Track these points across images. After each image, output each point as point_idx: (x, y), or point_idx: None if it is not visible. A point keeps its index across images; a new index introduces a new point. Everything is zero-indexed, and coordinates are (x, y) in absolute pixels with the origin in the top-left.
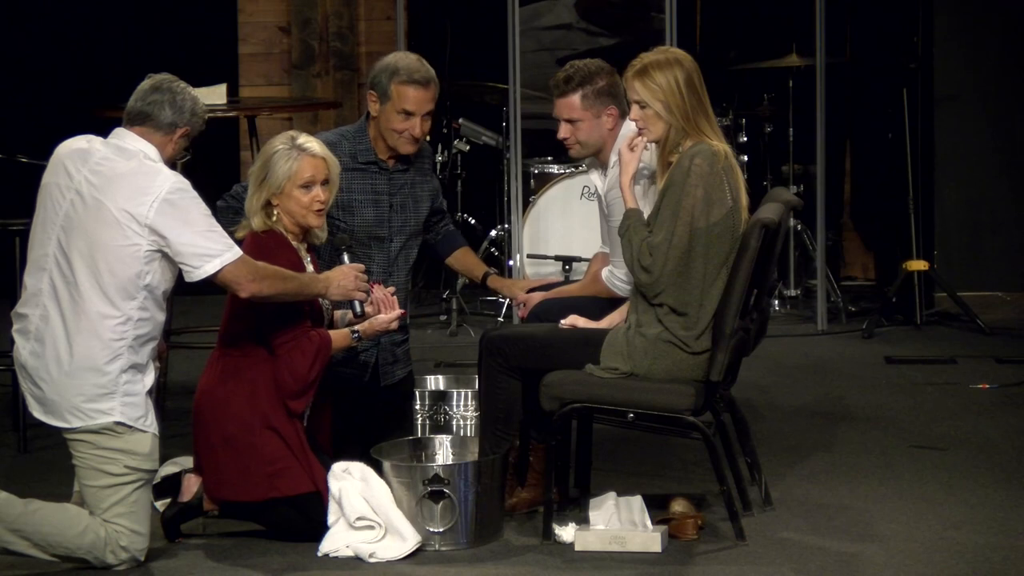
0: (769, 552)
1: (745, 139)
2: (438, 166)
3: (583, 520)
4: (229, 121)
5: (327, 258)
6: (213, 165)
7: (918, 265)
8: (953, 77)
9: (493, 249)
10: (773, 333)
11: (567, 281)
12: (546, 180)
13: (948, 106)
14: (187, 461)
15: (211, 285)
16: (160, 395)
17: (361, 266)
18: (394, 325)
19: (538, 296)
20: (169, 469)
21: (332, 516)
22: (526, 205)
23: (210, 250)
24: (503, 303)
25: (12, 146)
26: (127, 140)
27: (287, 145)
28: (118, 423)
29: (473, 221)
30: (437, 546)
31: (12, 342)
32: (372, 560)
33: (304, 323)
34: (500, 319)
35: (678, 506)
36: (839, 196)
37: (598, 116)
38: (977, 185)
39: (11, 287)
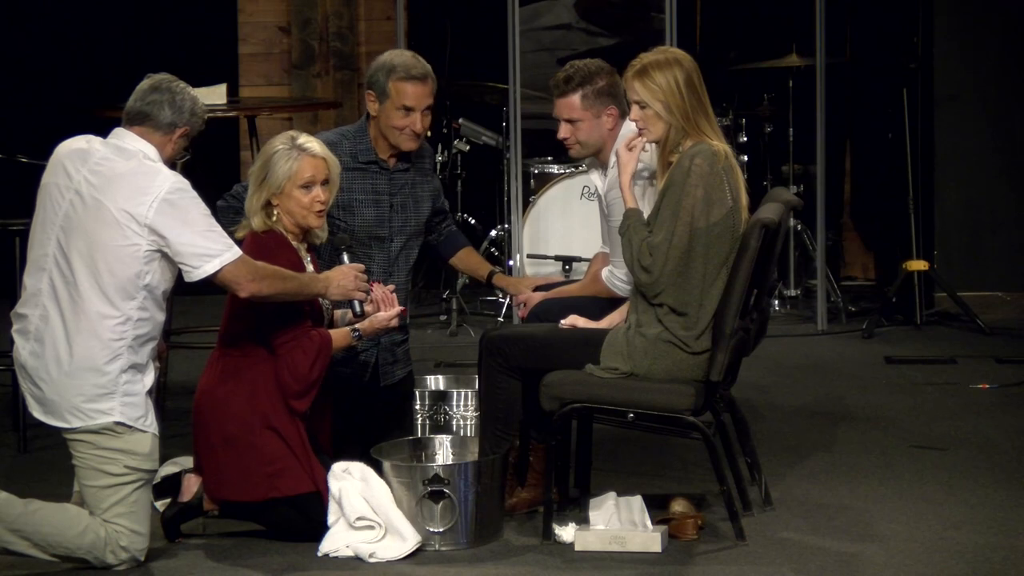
0: (769, 552)
1: (745, 139)
2: (438, 166)
3: (583, 520)
4: (229, 121)
5: (327, 258)
6: (213, 165)
7: (918, 265)
8: (953, 77)
9: (493, 249)
10: (773, 333)
11: (568, 281)
12: (546, 180)
13: (948, 106)
14: (187, 461)
15: (211, 285)
16: (160, 395)
17: (361, 266)
18: (394, 322)
19: (538, 296)
20: (169, 469)
21: (332, 516)
22: (526, 205)
23: (210, 250)
24: (503, 303)
25: (12, 146)
26: (126, 140)
27: (287, 145)
28: (118, 423)
29: (473, 221)
30: (437, 546)
31: (12, 342)
32: (372, 560)
33: (304, 323)
34: (500, 319)
35: (678, 506)
36: (839, 196)
37: (598, 116)
38: (977, 185)
39: (11, 287)
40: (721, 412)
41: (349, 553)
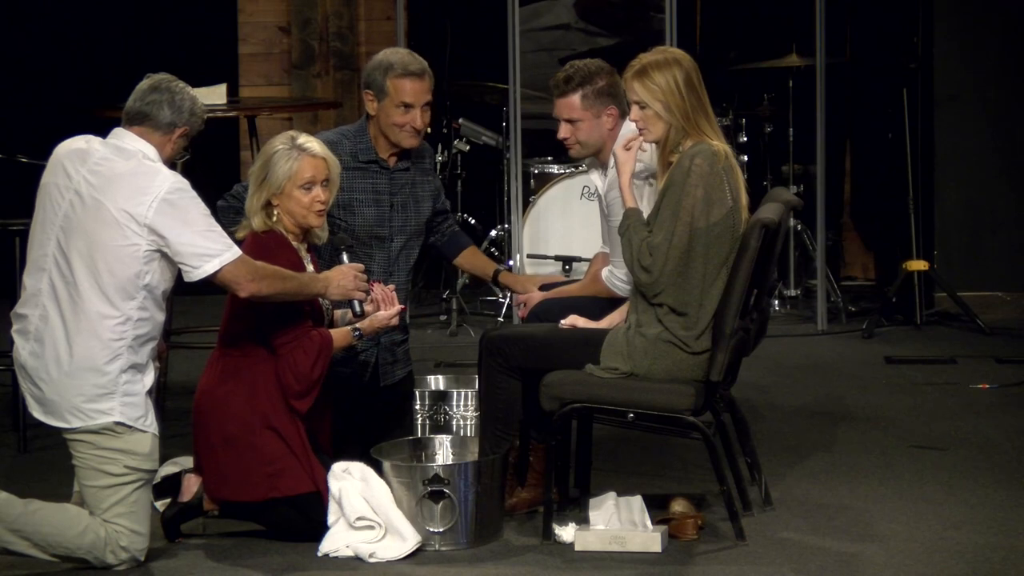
0: (769, 552)
1: (745, 139)
2: (438, 166)
3: (583, 520)
4: (229, 121)
5: (327, 258)
6: (213, 165)
7: (918, 265)
8: (953, 77)
9: (493, 249)
10: (773, 333)
11: (568, 281)
12: (546, 180)
13: (948, 106)
14: (187, 461)
15: (211, 285)
16: (160, 395)
17: (360, 266)
18: (394, 321)
19: (538, 296)
20: (169, 469)
21: (332, 516)
22: (526, 205)
23: (209, 250)
24: (503, 303)
25: (12, 146)
26: (126, 140)
27: (287, 145)
28: (118, 423)
29: (473, 221)
30: (437, 546)
31: (12, 342)
32: (372, 560)
33: (305, 323)
34: (500, 319)
35: (678, 506)
36: (839, 196)
37: (598, 116)
38: (977, 185)
39: (11, 287)
40: (721, 412)
41: (349, 553)
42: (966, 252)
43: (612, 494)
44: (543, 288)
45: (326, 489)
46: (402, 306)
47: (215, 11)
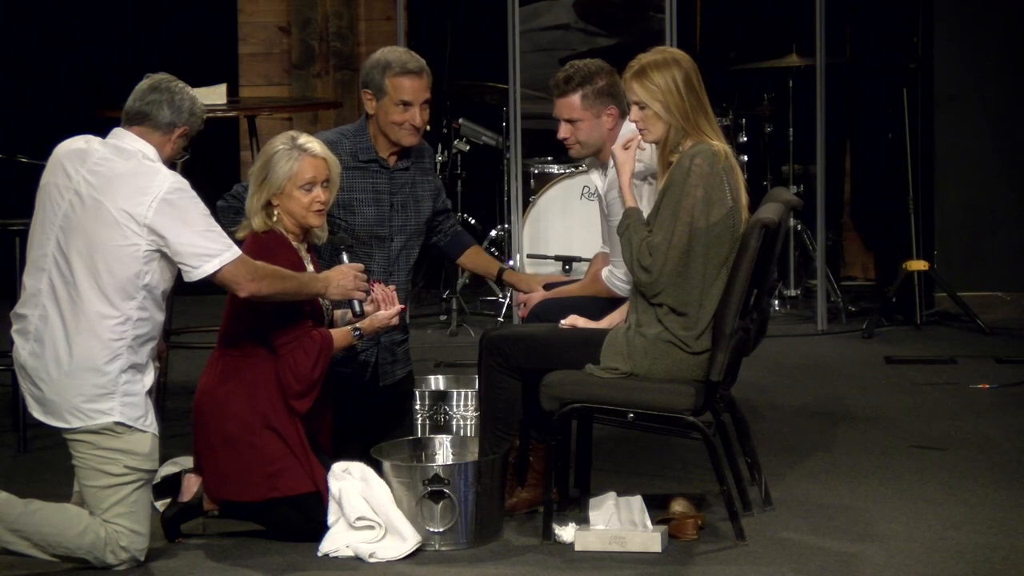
0: (769, 552)
1: (745, 139)
2: (438, 166)
3: (583, 520)
4: (229, 121)
5: (327, 258)
6: (213, 165)
7: (918, 265)
8: (953, 77)
9: (493, 249)
10: (773, 333)
11: (568, 281)
12: (546, 180)
13: (948, 106)
14: (187, 461)
15: (211, 285)
16: (160, 395)
17: (360, 265)
18: (395, 321)
19: (538, 296)
20: (169, 469)
21: (332, 516)
22: (526, 205)
23: (209, 250)
24: (503, 303)
25: (12, 146)
26: (125, 140)
27: (288, 145)
28: (118, 423)
29: (473, 221)
30: (437, 546)
31: (12, 342)
32: (372, 560)
33: (305, 323)
34: (500, 319)
35: (678, 506)
36: (839, 196)
37: (598, 116)
38: (977, 185)
39: (11, 287)
40: (721, 412)
41: (349, 553)
42: (966, 252)
43: (612, 494)
44: (547, 287)
45: (326, 489)
46: (402, 306)
47: (215, 11)
